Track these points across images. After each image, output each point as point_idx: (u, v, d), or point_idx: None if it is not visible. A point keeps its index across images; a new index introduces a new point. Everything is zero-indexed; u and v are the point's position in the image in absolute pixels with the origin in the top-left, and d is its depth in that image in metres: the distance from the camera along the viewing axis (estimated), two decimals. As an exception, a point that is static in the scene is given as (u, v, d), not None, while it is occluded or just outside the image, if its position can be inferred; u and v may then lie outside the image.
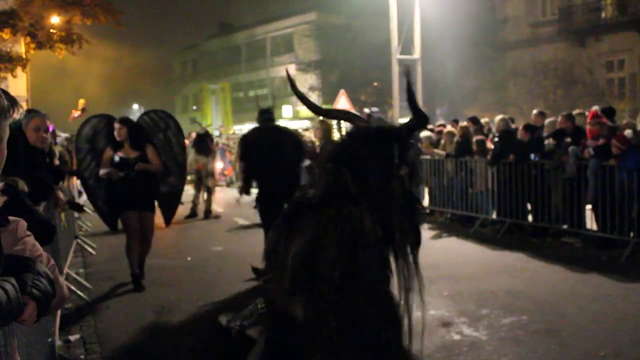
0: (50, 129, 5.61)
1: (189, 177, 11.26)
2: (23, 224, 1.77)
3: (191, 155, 12.79)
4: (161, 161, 7.13)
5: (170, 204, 7.72)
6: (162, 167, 7.15)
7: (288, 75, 2.77)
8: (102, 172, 6.89)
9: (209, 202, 13.19)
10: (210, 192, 13.31)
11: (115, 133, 6.88)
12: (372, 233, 2.50)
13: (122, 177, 6.79)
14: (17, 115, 1.69)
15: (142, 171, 6.85)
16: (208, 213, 13.06)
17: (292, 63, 37.52)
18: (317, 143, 8.73)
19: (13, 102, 1.67)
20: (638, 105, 18.68)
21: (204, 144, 13.71)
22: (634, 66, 22.70)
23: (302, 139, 8.08)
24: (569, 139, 9.01)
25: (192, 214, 13.00)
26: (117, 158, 6.86)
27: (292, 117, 35.61)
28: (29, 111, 5.19)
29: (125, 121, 7.05)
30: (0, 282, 1.49)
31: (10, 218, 1.73)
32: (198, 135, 14.33)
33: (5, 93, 1.65)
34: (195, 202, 13.18)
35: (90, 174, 7.29)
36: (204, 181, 13.22)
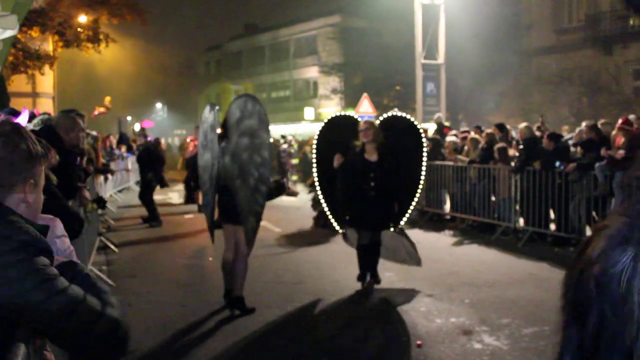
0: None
1: None
2: (60, 223, 1.80)
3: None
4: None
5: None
6: None
7: None
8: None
9: None
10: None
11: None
12: None
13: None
14: (53, 160, 1.71)
15: None
16: None
17: (315, 65, 37.58)
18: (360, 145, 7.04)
19: (47, 148, 1.70)
20: (665, 115, 18.35)
21: None
22: (662, 75, 22.38)
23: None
24: (602, 149, 8.69)
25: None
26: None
27: (314, 119, 35.62)
28: (66, 111, 5.23)
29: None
30: None
31: (47, 216, 1.76)
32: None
33: (40, 140, 1.68)
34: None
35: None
36: None
